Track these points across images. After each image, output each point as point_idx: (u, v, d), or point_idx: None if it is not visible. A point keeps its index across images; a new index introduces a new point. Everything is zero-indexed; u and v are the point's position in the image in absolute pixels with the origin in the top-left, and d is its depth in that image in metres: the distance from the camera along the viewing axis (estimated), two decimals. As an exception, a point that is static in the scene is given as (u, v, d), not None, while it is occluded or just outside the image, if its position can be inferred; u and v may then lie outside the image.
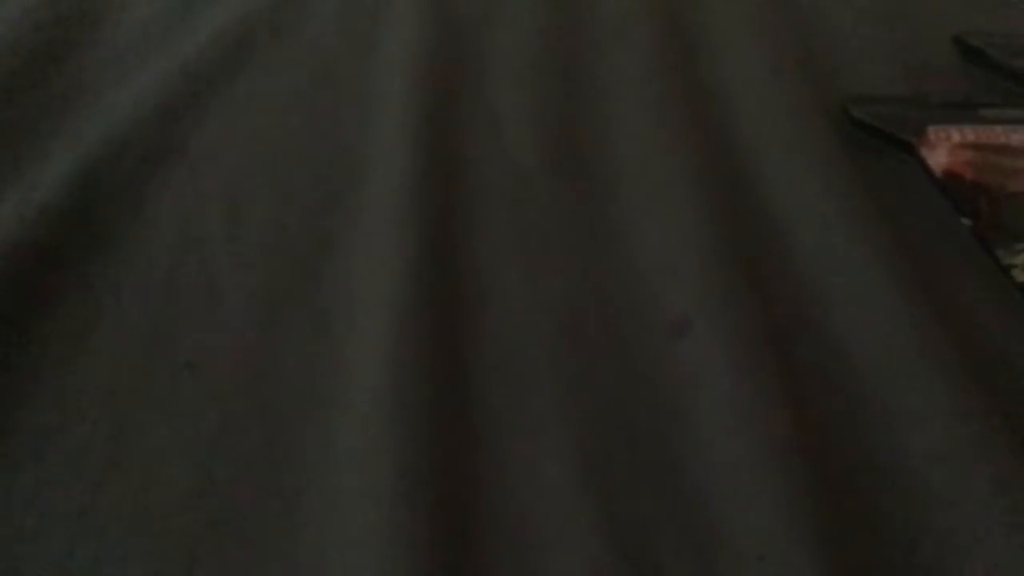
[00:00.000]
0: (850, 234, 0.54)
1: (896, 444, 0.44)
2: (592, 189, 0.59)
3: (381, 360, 0.47)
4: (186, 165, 0.59)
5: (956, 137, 0.61)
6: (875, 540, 0.40)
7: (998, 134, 0.61)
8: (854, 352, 0.48)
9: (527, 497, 0.42)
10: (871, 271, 0.52)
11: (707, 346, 0.48)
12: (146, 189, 0.57)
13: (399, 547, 0.39)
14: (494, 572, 0.39)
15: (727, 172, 0.60)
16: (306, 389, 0.47)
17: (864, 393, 0.46)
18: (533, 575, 0.39)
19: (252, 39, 0.70)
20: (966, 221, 0.56)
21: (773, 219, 0.56)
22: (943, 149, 0.60)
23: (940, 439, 0.44)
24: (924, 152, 0.60)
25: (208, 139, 0.61)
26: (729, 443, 0.44)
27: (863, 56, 0.70)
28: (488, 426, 0.45)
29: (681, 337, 0.49)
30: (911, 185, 0.59)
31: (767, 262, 0.54)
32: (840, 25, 0.74)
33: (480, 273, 0.53)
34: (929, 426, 0.44)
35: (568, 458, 0.44)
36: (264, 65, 0.68)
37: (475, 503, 0.42)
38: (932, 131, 0.61)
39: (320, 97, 0.66)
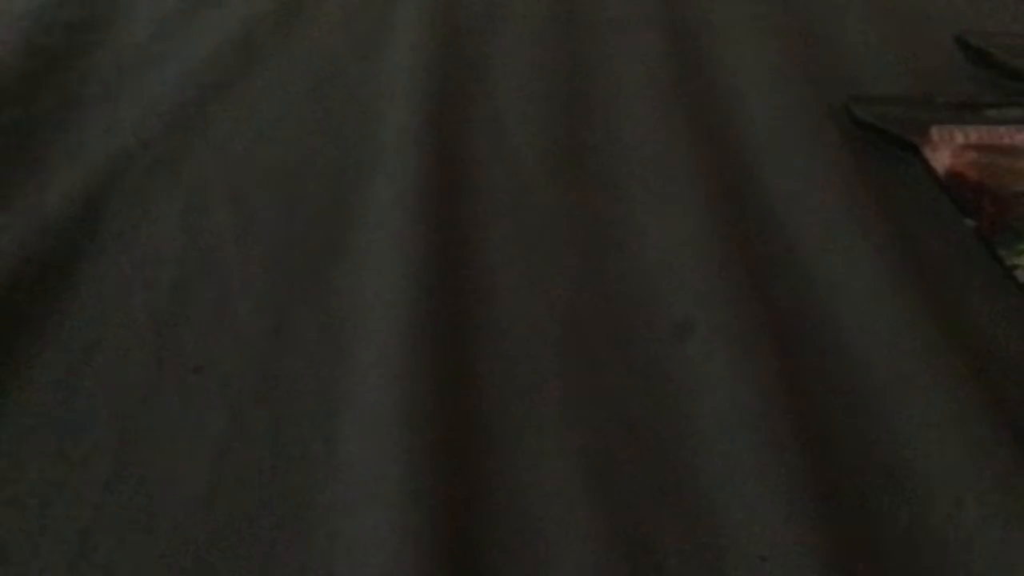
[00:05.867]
0: (853, 235, 0.55)
1: (897, 444, 0.44)
2: (596, 190, 0.59)
3: (388, 362, 0.47)
4: (193, 170, 0.60)
5: (959, 137, 0.61)
6: (875, 540, 0.41)
7: (1002, 134, 0.61)
8: (856, 352, 0.49)
9: (531, 498, 0.42)
10: (874, 271, 0.52)
11: (710, 347, 0.48)
12: (154, 193, 0.58)
13: (406, 549, 0.39)
14: (499, 572, 0.40)
15: (730, 173, 0.60)
16: (314, 392, 0.47)
17: (866, 393, 0.47)
18: (537, 574, 0.40)
19: (258, 43, 0.71)
20: (969, 221, 0.56)
21: (776, 219, 0.57)
22: (946, 149, 0.60)
23: (941, 439, 0.44)
24: (927, 152, 0.60)
25: (215, 144, 0.62)
26: (731, 444, 0.44)
27: (866, 56, 0.71)
28: (493, 428, 0.45)
29: (684, 338, 0.49)
30: (914, 185, 0.60)
31: (770, 263, 0.54)
32: (843, 25, 0.74)
33: (485, 274, 0.53)
34: (930, 426, 0.44)
35: (572, 459, 0.44)
36: (270, 69, 0.68)
37: (480, 505, 0.42)
38: (935, 131, 0.61)
39: (326, 100, 0.66)
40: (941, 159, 0.60)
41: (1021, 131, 0.61)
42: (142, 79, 0.67)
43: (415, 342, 0.48)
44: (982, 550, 0.40)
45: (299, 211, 0.57)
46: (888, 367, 0.47)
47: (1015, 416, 0.45)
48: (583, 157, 0.62)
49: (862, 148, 0.62)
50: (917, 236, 0.55)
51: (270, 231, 0.56)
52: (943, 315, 0.50)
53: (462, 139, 0.63)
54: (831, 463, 0.43)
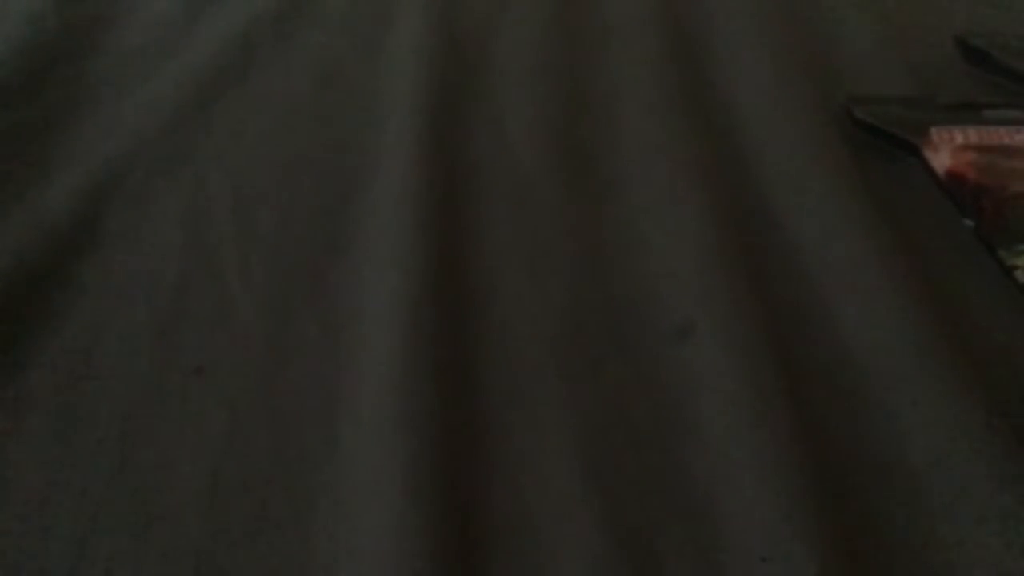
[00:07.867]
0: (852, 235, 0.55)
1: (896, 444, 0.44)
2: (596, 191, 0.59)
3: (388, 362, 0.47)
4: (193, 170, 0.60)
5: (959, 138, 0.61)
6: (875, 540, 0.41)
7: (1001, 135, 0.61)
8: (856, 353, 0.49)
9: (532, 497, 0.43)
10: (873, 272, 0.52)
11: (709, 348, 0.48)
12: (154, 195, 0.58)
13: (406, 548, 0.39)
14: (499, 572, 0.40)
15: (730, 173, 0.60)
16: (314, 392, 0.47)
17: (865, 394, 0.47)
18: (537, 575, 0.40)
19: (258, 44, 0.71)
20: (969, 222, 0.56)
21: (776, 220, 0.57)
22: (946, 150, 0.60)
23: (941, 439, 0.44)
24: (927, 153, 0.60)
25: (215, 144, 0.62)
26: (731, 444, 0.44)
27: (866, 57, 0.71)
28: (493, 427, 0.45)
29: (684, 339, 0.49)
30: (914, 186, 0.60)
31: (769, 263, 0.54)
32: (844, 26, 0.74)
33: (485, 274, 0.53)
34: (930, 426, 0.44)
35: (572, 459, 0.44)
36: (270, 70, 0.69)
37: (480, 504, 0.42)
38: (935, 132, 0.61)
39: (326, 101, 0.66)
40: (941, 159, 0.60)
41: (1021, 131, 0.61)
42: (142, 79, 0.67)
43: (415, 342, 0.48)
44: (982, 551, 0.40)
45: (299, 211, 0.58)
46: (888, 367, 0.47)
47: (1015, 416, 0.45)
48: (583, 157, 0.62)
49: (862, 149, 0.62)
50: (917, 236, 0.55)
51: (270, 231, 0.56)
52: (942, 315, 0.50)
53: (462, 139, 0.63)
54: (831, 463, 0.43)
